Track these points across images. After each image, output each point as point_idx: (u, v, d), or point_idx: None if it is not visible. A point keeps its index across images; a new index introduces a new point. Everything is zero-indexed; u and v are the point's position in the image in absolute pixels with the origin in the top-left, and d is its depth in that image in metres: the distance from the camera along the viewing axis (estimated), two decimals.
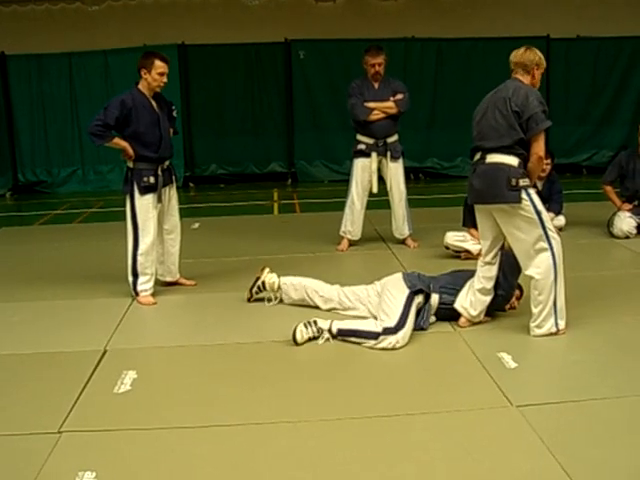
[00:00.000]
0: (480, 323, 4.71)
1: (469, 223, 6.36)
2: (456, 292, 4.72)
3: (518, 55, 4.51)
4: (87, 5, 12.16)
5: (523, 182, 4.32)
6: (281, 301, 5.22)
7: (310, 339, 4.48)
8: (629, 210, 7.19)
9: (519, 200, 4.30)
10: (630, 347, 4.31)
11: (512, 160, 4.35)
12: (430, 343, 4.47)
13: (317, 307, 5.06)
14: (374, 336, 4.39)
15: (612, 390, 3.71)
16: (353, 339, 4.45)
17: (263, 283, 5.24)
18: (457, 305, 4.68)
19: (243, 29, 11.98)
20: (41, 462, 3.12)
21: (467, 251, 6.34)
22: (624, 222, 7.10)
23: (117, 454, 3.23)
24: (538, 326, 4.45)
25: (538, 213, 4.33)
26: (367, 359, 4.26)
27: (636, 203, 7.24)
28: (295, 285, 5.17)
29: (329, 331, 4.48)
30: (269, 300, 5.23)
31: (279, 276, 5.23)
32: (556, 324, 4.43)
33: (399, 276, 4.74)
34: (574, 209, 7.91)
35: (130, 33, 11.64)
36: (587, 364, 4.09)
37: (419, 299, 4.60)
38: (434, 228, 7.15)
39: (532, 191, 4.37)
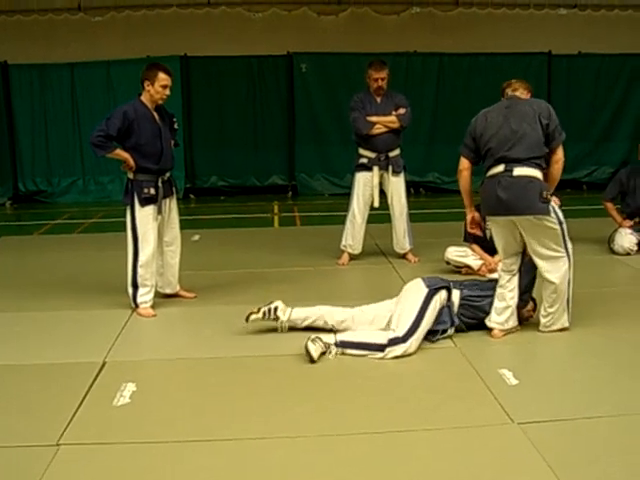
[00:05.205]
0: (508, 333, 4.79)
1: (470, 239, 6.36)
2: (476, 288, 4.85)
3: (518, 81, 4.94)
4: (90, 16, 12.20)
5: (550, 195, 4.58)
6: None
7: (322, 354, 4.42)
8: (630, 227, 7.19)
9: (549, 212, 4.54)
10: (630, 365, 4.28)
11: (539, 174, 4.60)
12: (430, 359, 4.44)
13: (330, 330, 4.76)
14: (379, 348, 4.38)
15: (613, 408, 3.69)
16: (355, 351, 4.42)
17: (276, 308, 4.86)
18: (486, 321, 4.79)
19: (245, 41, 12.03)
20: (39, 475, 3.09)
21: (468, 266, 6.33)
22: (625, 239, 7.11)
23: (116, 467, 3.20)
24: (553, 323, 4.77)
25: (560, 223, 4.62)
26: (366, 373, 4.23)
27: (637, 220, 7.24)
28: (307, 312, 4.89)
29: (335, 344, 4.45)
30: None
31: (292, 308, 4.92)
32: (568, 320, 4.77)
33: (418, 280, 4.76)
34: (574, 225, 7.83)
35: (133, 44, 11.70)
36: (588, 381, 4.07)
37: (442, 296, 4.64)
38: (435, 243, 7.14)
39: (554, 203, 4.63)
